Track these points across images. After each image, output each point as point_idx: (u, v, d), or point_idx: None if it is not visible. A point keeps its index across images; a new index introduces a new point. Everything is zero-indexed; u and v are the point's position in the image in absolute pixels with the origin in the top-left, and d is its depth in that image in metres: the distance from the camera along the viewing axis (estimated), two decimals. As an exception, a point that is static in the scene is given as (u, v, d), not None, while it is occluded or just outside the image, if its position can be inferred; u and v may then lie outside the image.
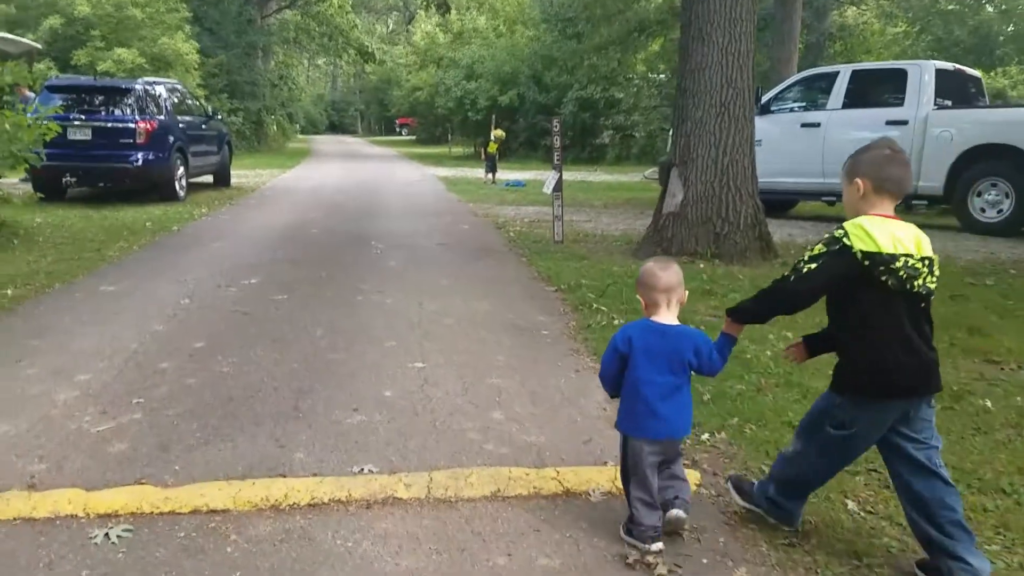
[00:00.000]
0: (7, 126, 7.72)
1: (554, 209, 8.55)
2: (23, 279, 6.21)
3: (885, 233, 2.22)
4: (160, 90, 12.50)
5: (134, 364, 4.20)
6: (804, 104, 11.35)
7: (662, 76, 25.96)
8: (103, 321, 5.07)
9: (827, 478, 2.58)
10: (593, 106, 24.70)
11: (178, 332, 4.86)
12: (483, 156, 18.71)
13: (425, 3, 37.17)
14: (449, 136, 32.24)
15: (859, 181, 2.34)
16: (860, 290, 2.25)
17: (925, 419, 2.34)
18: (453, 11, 32.10)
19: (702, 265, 7.02)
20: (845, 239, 2.22)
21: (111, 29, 18.55)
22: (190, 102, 14.00)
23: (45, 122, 8.82)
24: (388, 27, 68.77)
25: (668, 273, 2.46)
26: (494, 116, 25.75)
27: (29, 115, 8.40)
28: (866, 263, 2.20)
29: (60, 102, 11.52)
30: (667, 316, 2.46)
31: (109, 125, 11.47)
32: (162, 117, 12.16)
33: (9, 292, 5.74)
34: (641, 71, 26.68)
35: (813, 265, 2.27)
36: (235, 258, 7.50)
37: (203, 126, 13.85)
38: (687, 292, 2.54)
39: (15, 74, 8.50)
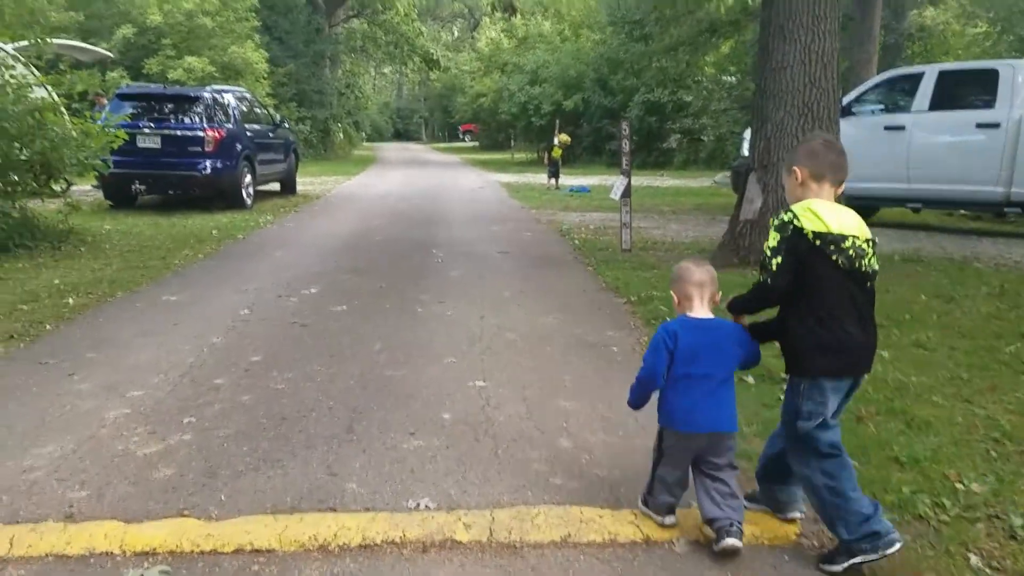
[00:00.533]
0: (75, 133, 7.79)
1: (621, 216, 8.22)
2: (87, 287, 6.20)
3: (832, 214, 2.30)
4: (228, 98, 12.63)
5: (189, 380, 4.06)
6: (887, 106, 10.73)
7: (732, 78, 25.30)
8: (162, 332, 4.97)
9: (842, 479, 2.40)
10: (660, 110, 24.19)
11: (236, 345, 4.72)
12: (546, 161, 18.46)
13: (491, 4, 37.13)
14: (512, 142, 32.13)
15: (796, 170, 2.43)
16: (812, 269, 2.30)
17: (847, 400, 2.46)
18: (518, 15, 31.94)
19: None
20: (795, 221, 2.30)
21: (182, 38, 18.96)
22: (258, 110, 14.13)
23: (113, 130, 8.93)
24: (453, 35, 69.26)
25: (702, 269, 2.53)
26: (558, 121, 25.49)
27: (99, 122, 8.48)
28: (817, 243, 2.27)
29: (130, 110, 11.79)
30: (702, 311, 2.50)
31: (178, 133, 11.61)
32: (230, 125, 12.27)
33: (71, 301, 5.72)
34: (710, 73, 26.06)
35: (778, 258, 2.31)
36: (297, 267, 7.40)
37: (270, 134, 13.96)
38: (720, 292, 2.56)
39: (86, 82, 8.62)
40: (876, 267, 2.38)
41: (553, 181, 17.18)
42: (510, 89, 27.81)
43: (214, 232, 9.68)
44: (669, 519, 2.52)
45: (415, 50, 35.42)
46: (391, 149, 46.84)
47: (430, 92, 67.98)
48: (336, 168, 24.10)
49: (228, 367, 4.27)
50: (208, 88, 12.80)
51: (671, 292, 2.58)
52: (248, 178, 12.59)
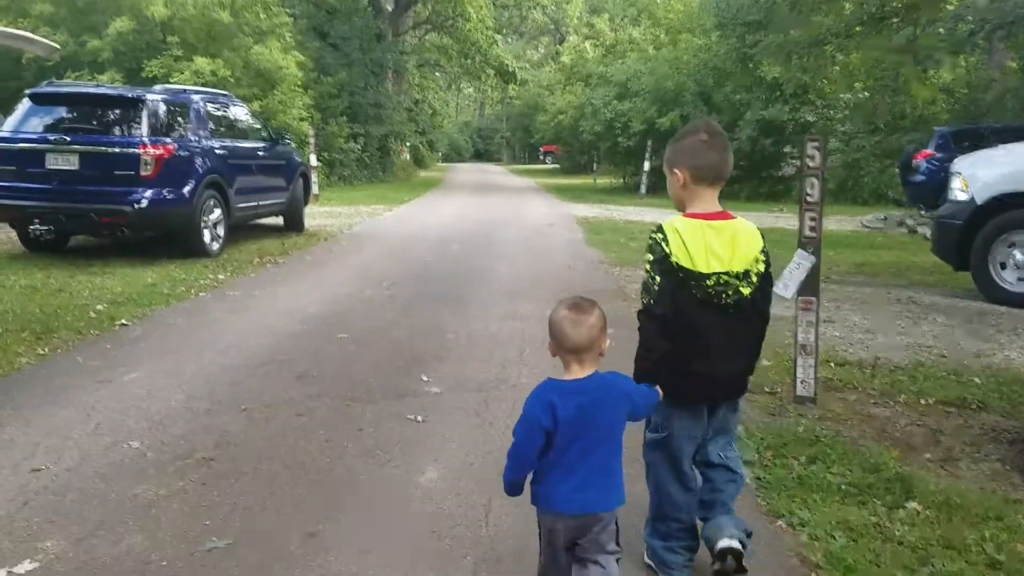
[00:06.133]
0: None
1: (798, 332, 4.03)
2: None
3: (700, 246, 2.19)
4: (188, 103, 9.00)
5: None
6: None
7: (861, 95, 20.58)
8: None
9: (677, 490, 2.37)
10: (779, 130, 19.68)
11: None
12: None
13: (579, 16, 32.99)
14: (595, 165, 27.98)
15: (677, 172, 2.32)
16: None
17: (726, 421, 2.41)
18: (606, 19, 27.69)
19: None
20: (664, 245, 2.21)
21: (198, 36, 15.67)
22: (244, 121, 10.50)
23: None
24: (539, 51, 65.71)
25: (580, 330, 2.00)
26: (650, 143, 21.27)
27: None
28: (680, 275, 2.20)
29: (47, 119, 8.32)
30: (580, 372, 2.03)
31: (103, 150, 8.02)
32: (188, 139, 8.65)
33: None
34: (830, 90, 21.33)
35: (658, 278, 2.22)
36: (157, 413, 3.54)
37: (260, 153, 10.31)
38: (607, 341, 2.05)
39: None
40: (744, 293, 2.23)
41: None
42: (594, 104, 23.69)
43: (100, 308, 5.98)
44: None
45: (488, 62, 31.73)
46: (464, 170, 43.38)
47: (512, 111, 64.48)
48: (387, 193, 20.48)
49: None
50: (158, 88, 9.23)
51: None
52: (216, 214, 8.92)
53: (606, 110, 22.96)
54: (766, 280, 2.33)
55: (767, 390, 4.27)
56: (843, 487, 3.02)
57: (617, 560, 2.05)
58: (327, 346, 5.11)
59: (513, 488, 2.08)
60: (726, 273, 2.19)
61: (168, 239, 8.68)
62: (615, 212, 16.53)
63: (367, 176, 25.11)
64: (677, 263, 2.18)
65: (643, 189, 21.17)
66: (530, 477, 2.05)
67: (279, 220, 11.39)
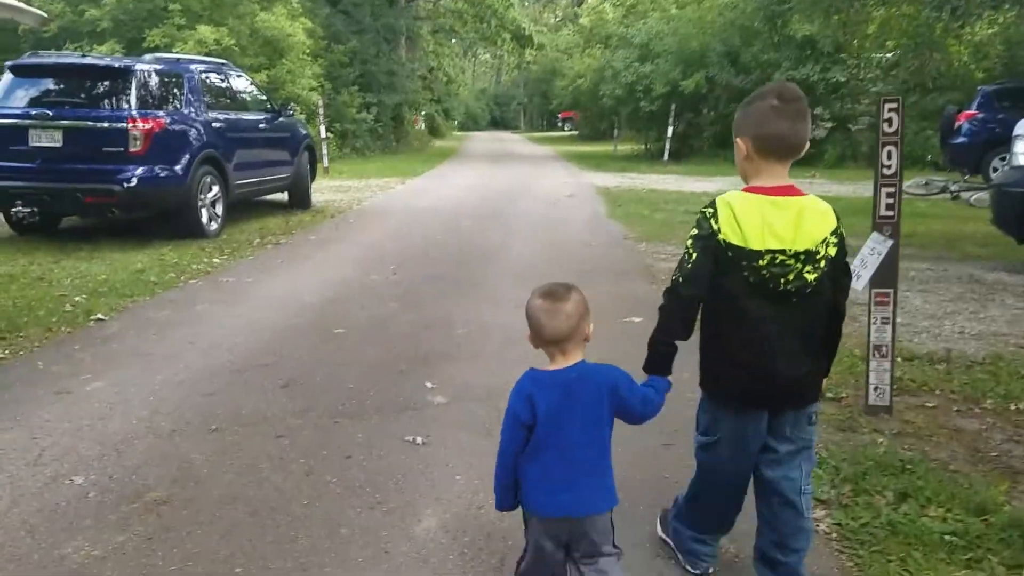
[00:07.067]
0: None
1: (871, 330, 3.39)
2: None
3: (755, 221, 1.90)
4: (183, 73, 8.38)
5: None
6: None
7: (888, 55, 19.49)
8: None
9: (720, 501, 2.14)
10: (809, 91, 18.69)
11: None
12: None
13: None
14: (615, 131, 27.05)
15: (739, 141, 2.02)
16: (718, 278, 1.94)
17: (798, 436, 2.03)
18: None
19: None
20: (713, 221, 1.93)
21: (201, 3, 14.97)
22: (244, 91, 9.86)
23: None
24: (556, 16, 64.18)
25: (557, 320, 1.84)
26: (674, 106, 20.37)
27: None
28: (729, 254, 1.91)
29: (31, 91, 7.77)
30: (564, 361, 1.87)
31: (89, 124, 7.45)
32: (182, 113, 8.06)
33: None
34: (857, 47, 20.20)
35: (695, 254, 1.95)
36: (114, 435, 2.99)
37: (261, 126, 9.70)
38: (591, 325, 1.89)
39: None
40: (809, 279, 1.91)
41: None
42: (614, 67, 22.70)
43: (78, 299, 5.45)
44: None
45: (504, 25, 30.69)
46: (481, 139, 42.56)
47: (529, 77, 63.15)
48: (400, 165, 19.81)
49: None
50: (148, 58, 8.60)
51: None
52: (215, 191, 8.35)
53: (627, 73, 22.01)
54: (838, 267, 1.99)
55: (830, 395, 3.64)
56: (947, 538, 2.39)
57: (617, 559, 1.90)
58: (321, 344, 4.52)
59: (504, 497, 1.93)
60: (782, 252, 1.88)
61: (163, 219, 8.13)
62: (637, 180, 15.78)
63: (380, 147, 24.41)
64: (726, 241, 1.90)
65: (666, 156, 20.32)
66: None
67: (284, 196, 10.82)
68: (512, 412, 1.86)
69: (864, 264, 3.28)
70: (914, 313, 5.27)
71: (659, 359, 2.02)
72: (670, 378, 2.03)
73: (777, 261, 1.89)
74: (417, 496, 2.74)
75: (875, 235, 3.30)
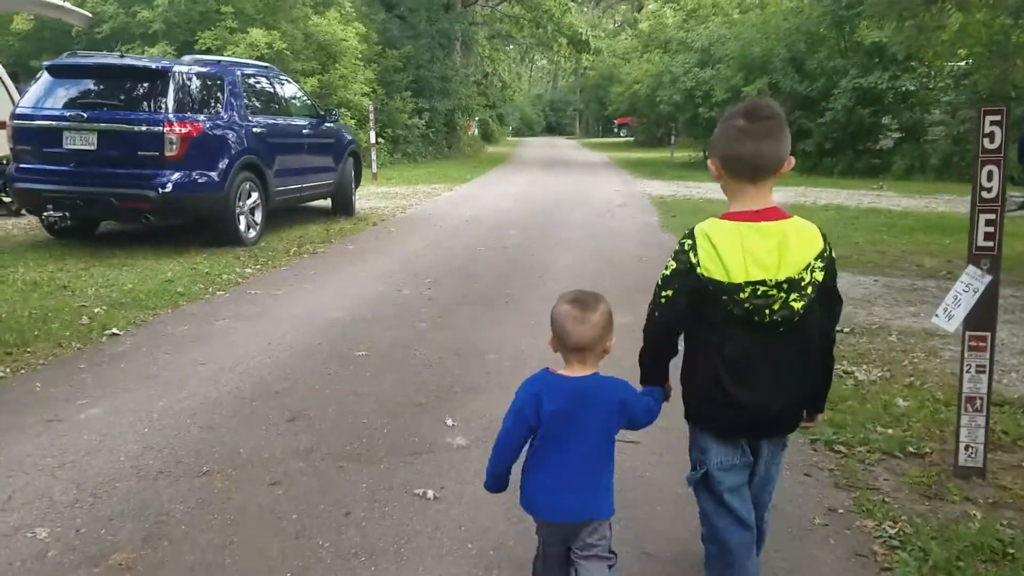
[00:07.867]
0: None
1: (964, 380, 2.87)
2: None
3: (736, 252, 1.80)
4: (223, 75, 8.19)
5: None
6: None
7: (962, 64, 18.44)
8: None
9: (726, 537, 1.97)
10: (877, 99, 17.83)
11: None
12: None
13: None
14: (672, 138, 26.33)
15: (709, 163, 1.99)
16: (698, 309, 1.87)
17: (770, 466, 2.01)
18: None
19: None
20: (692, 254, 1.84)
21: (255, 6, 14.93)
22: (288, 95, 9.65)
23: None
24: (616, 21, 63.50)
25: (582, 329, 1.85)
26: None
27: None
28: (711, 288, 1.82)
29: (70, 92, 7.66)
30: (580, 370, 1.89)
31: (124, 128, 7.29)
32: (220, 117, 7.86)
33: None
34: (929, 56, 19.18)
35: (669, 292, 1.89)
36: (96, 476, 2.68)
37: (304, 131, 9.47)
38: (613, 338, 1.90)
39: None
40: (795, 307, 1.80)
41: None
42: (673, 72, 22.06)
43: (97, 311, 5.23)
44: None
45: (561, 30, 30.27)
46: (534, 145, 42.19)
47: (586, 83, 62.58)
48: (449, 171, 19.55)
49: None
50: (187, 59, 8.43)
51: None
52: (253, 198, 8.13)
53: (686, 78, 21.35)
54: (826, 291, 1.88)
55: (912, 450, 3.13)
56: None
57: (610, 567, 1.93)
58: (340, 370, 4.17)
59: (495, 482, 1.96)
60: (763, 283, 1.78)
61: (202, 225, 7.95)
62: (693, 190, 15.18)
63: (432, 153, 24.25)
64: (706, 275, 1.81)
65: (724, 164, 19.63)
66: (520, 478, 1.93)
67: (328, 203, 10.59)
68: (518, 405, 1.87)
69: (957, 302, 2.78)
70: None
71: (651, 374, 2.04)
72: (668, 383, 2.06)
73: (759, 292, 1.79)
74: (420, 570, 2.34)
75: (971, 269, 2.79)
